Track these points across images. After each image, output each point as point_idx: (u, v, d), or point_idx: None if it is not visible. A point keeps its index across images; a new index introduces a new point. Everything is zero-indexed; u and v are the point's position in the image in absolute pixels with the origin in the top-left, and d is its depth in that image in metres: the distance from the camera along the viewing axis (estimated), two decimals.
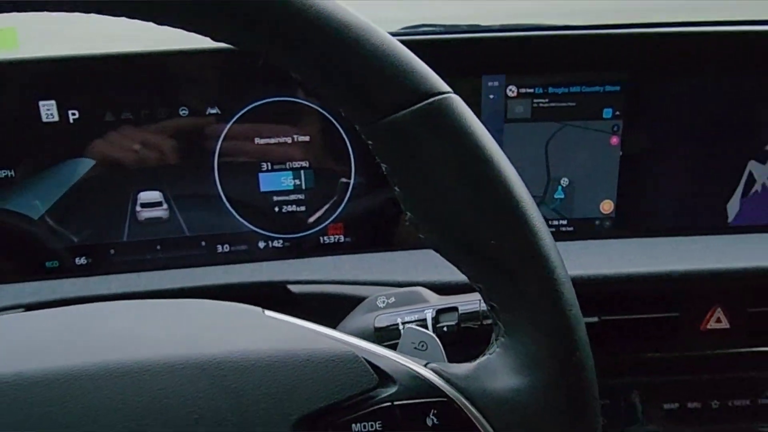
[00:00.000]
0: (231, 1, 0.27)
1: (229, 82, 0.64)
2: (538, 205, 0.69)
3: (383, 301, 0.51)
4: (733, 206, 0.72)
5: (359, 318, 0.50)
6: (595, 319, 0.64)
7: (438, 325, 0.47)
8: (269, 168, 0.67)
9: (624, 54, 0.68)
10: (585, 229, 0.72)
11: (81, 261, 0.66)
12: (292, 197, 0.68)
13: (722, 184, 0.72)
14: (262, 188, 0.67)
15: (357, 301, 0.53)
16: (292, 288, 0.64)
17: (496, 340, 0.32)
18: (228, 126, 0.65)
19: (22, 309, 0.61)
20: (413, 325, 0.41)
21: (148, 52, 0.62)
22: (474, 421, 0.31)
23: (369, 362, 0.32)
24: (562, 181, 0.70)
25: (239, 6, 0.27)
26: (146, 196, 0.66)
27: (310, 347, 0.32)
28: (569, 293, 0.30)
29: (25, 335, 0.34)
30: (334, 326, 0.37)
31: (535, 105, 0.68)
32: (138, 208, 0.66)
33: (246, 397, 0.30)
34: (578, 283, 0.61)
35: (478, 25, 0.70)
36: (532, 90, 0.67)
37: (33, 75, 0.62)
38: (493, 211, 0.29)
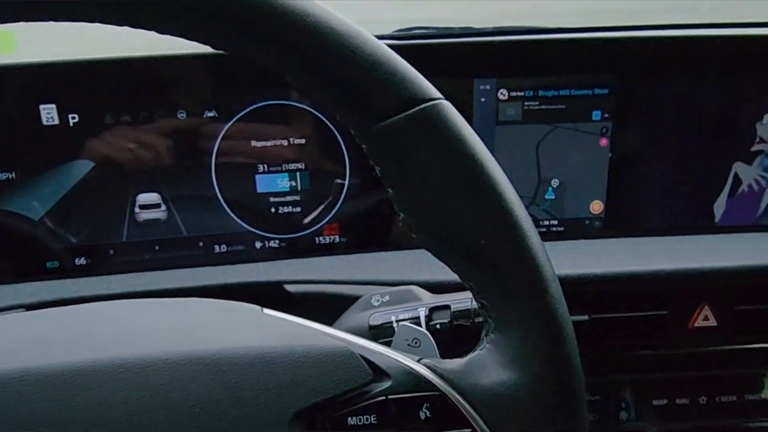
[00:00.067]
0: (226, 10, 0.28)
1: (226, 86, 0.65)
2: (529, 205, 0.71)
3: (378, 300, 0.51)
4: (719, 206, 0.73)
5: (354, 316, 0.51)
6: (586, 317, 0.64)
7: (431, 323, 0.48)
8: (265, 169, 0.67)
9: (612, 57, 0.68)
10: (575, 229, 0.73)
11: (81, 261, 0.67)
12: (288, 198, 0.68)
13: (709, 185, 0.72)
14: (259, 189, 0.68)
15: (352, 299, 0.53)
16: (289, 287, 0.64)
17: (486, 336, 0.33)
18: (225, 128, 0.66)
19: (23, 309, 0.61)
20: (407, 323, 0.42)
21: (147, 57, 0.63)
22: (465, 414, 0.32)
23: (364, 358, 0.32)
24: (552, 182, 0.71)
25: (234, 14, 0.28)
26: (145, 197, 0.66)
27: (308, 344, 0.33)
28: (555, 291, 0.31)
29: (30, 333, 0.35)
30: (330, 324, 0.37)
31: (525, 108, 0.68)
32: (137, 210, 0.66)
33: (245, 391, 0.31)
34: (569, 282, 0.63)
35: (470, 28, 0.70)
36: (522, 93, 0.68)
37: (34, 79, 0.62)
38: (482, 213, 0.30)
